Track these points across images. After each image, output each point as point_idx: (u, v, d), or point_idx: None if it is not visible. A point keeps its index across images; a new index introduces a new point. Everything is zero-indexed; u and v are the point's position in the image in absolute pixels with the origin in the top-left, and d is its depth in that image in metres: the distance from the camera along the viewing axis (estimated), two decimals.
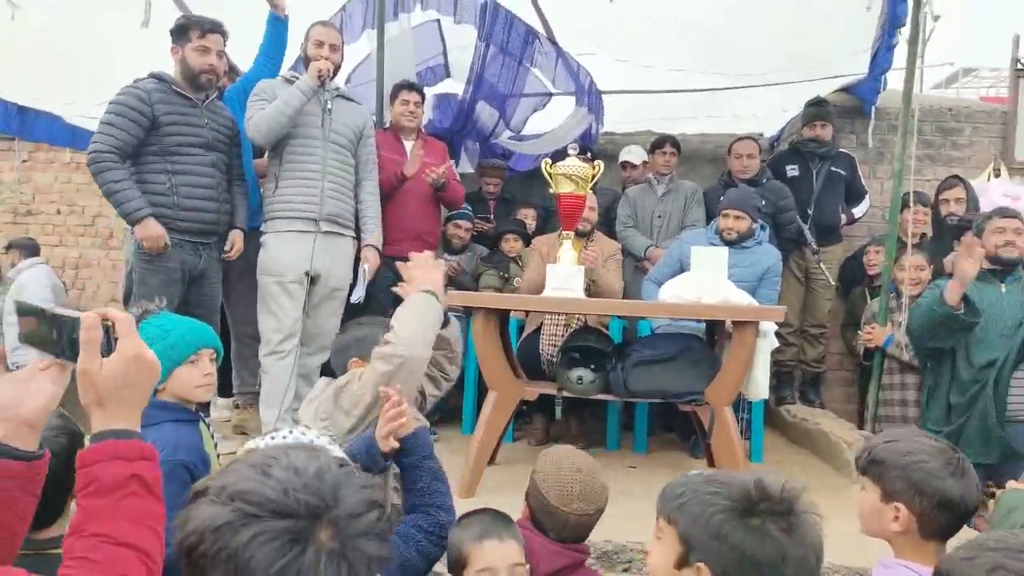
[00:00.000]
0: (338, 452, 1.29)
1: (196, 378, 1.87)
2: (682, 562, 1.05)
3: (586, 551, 1.72)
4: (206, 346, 1.91)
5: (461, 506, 1.82)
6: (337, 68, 3.45)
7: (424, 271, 2.03)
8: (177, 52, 3.16)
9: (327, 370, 2.19)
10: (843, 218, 4.49)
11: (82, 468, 0.87)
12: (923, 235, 4.18)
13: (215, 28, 3.18)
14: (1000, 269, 3.10)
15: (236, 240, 3.35)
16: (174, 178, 3.10)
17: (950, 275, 3.33)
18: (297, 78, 3.34)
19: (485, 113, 4.78)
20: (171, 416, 1.79)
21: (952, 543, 1.41)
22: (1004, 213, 3.16)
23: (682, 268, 3.60)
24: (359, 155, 3.52)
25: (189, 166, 3.14)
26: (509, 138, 5.09)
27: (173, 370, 1.83)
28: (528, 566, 1.54)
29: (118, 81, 3.15)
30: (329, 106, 3.34)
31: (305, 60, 3.43)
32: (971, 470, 1.46)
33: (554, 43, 4.71)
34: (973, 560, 1.08)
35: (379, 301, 3.64)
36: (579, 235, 3.57)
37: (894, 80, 4.57)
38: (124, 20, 3.89)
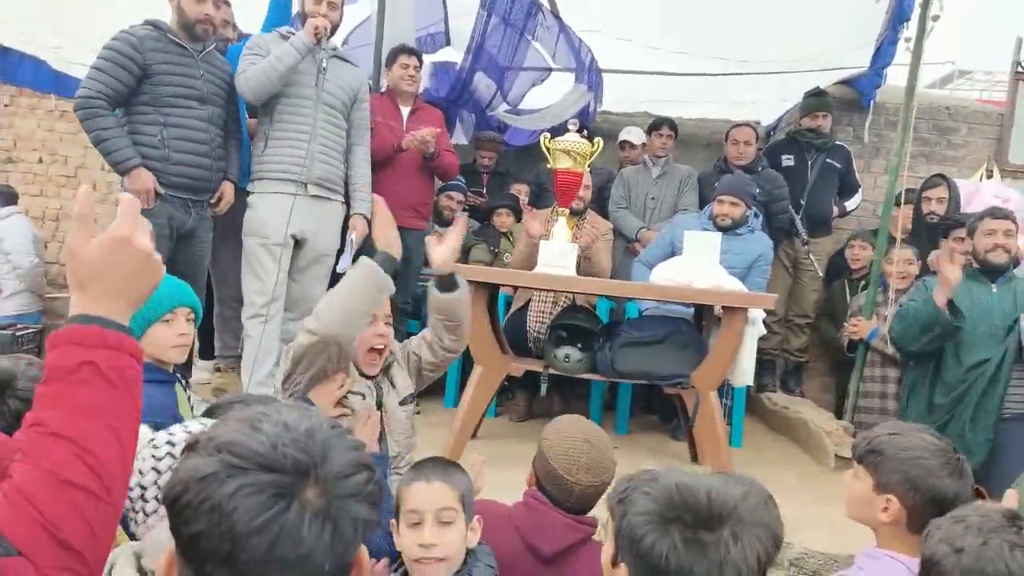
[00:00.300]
0: None
1: (171, 337, 1.81)
2: (615, 561, 0.99)
3: (594, 524, 1.70)
4: (182, 304, 1.85)
5: None
6: (335, 27, 3.35)
7: (383, 228, 1.85)
8: (173, 0, 3.07)
9: None
10: (835, 210, 4.51)
11: (47, 353, 0.82)
12: (910, 232, 4.23)
13: None
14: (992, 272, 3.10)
15: (226, 191, 3.28)
16: (166, 130, 3.02)
17: (934, 272, 3.37)
18: (293, 34, 3.25)
19: (483, 84, 4.72)
20: (146, 376, 1.75)
21: None
22: (996, 214, 3.15)
23: (674, 251, 3.59)
24: (352, 119, 3.44)
25: (182, 119, 3.05)
26: (506, 111, 5.03)
27: (147, 328, 1.77)
28: (479, 525, 1.54)
29: (110, 28, 3.05)
30: (324, 65, 3.25)
31: (302, 17, 3.32)
32: (968, 471, 1.47)
33: (558, 17, 4.65)
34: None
35: None
36: (573, 213, 3.54)
37: (893, 76, 4.57)
38: None
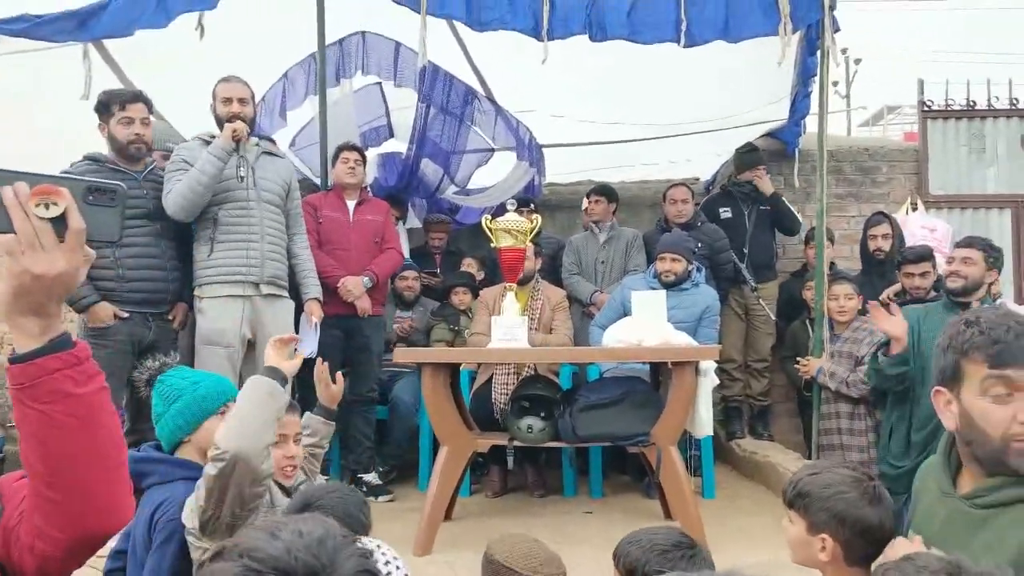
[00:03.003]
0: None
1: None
2: None
3: None
4: (231, 399, 1.92)
5: (415, 565, 1.82)
6: (252, 121, 3.38)
7: (276, 352, 1.87)
8: (104, 128, 3.18)
9: None
10: (779, 251, 4.72)
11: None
12: (832, 264, 4.43)
13: (136, 97, 3.21)
14: (962, 300, 3.05)
15: (179, 312, 3.35)
16: (118, 251, 3.08)
17: (886, 304, 3.50)
18: (214, 138, 3.29)
19: (430, 170, 4.91)
20: (185, 474, 1.80)
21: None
22: (957, 243, 3.22)
23: (625, 312, 3.71)
24: (288, 209, 3.50)
25: (133, 238, 3.13)
26: (455, 193, 5.22)
27: (203, 422, 1.85)
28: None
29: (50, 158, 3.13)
30: (252, 166, 3.32)
31: (217, 120, 3.36)
32: (886, 496, 1.52)
33: (493, 102, 4.90)
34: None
35: (327, 356, 3.67)
36: (522, 283, 3.67)
37: (813, 124, 4.86)
38: (64, 94, 3.93)
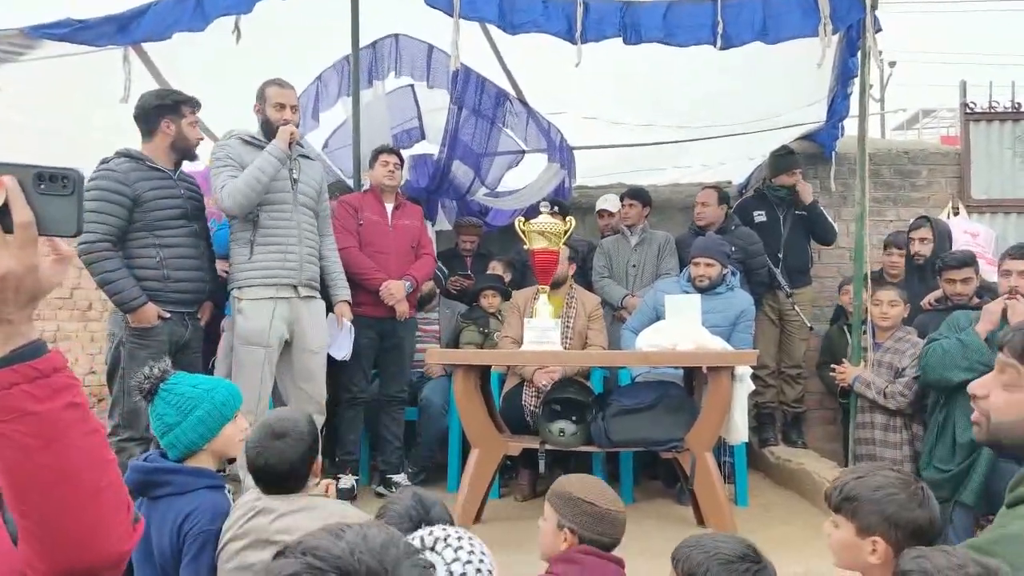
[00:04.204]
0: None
1: (238, 433, 1.95)
2: None
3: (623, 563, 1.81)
4: (240, 403, 2.00)
5: None
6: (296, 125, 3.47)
7: None
8: (170, 126, 3.21)
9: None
10: (815, 257, 4.63)
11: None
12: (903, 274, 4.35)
13: (199, 104, 3.31)
14: None
15: (206, 311, 3.39)
16: (162, 251, 3.12)
17: (927, 310, 3.39)
18: (256, 139, 3.33)
19: (461, 172, 4.92)
20: (206, 482, 1.84)
21: None
22: (1012, 253, 3.12)
23: (657, 316, 3.67)
24: (318, 211, 3.54)
25: (174, 238, 3.16)
26: (485, 195, 5.22)
27: (222, 428, 1.90)
28: None
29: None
30: (296, 169, 3.38)
31: (264, 121, 3.38)
32: (932, 497, 1.53)
33: (524, 104, 4.89)
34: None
35: (361, 358, 3.72)
36: (555, 287, 3.65)
37: (852, 127, 4.78)
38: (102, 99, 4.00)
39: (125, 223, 3.06)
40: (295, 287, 3.33)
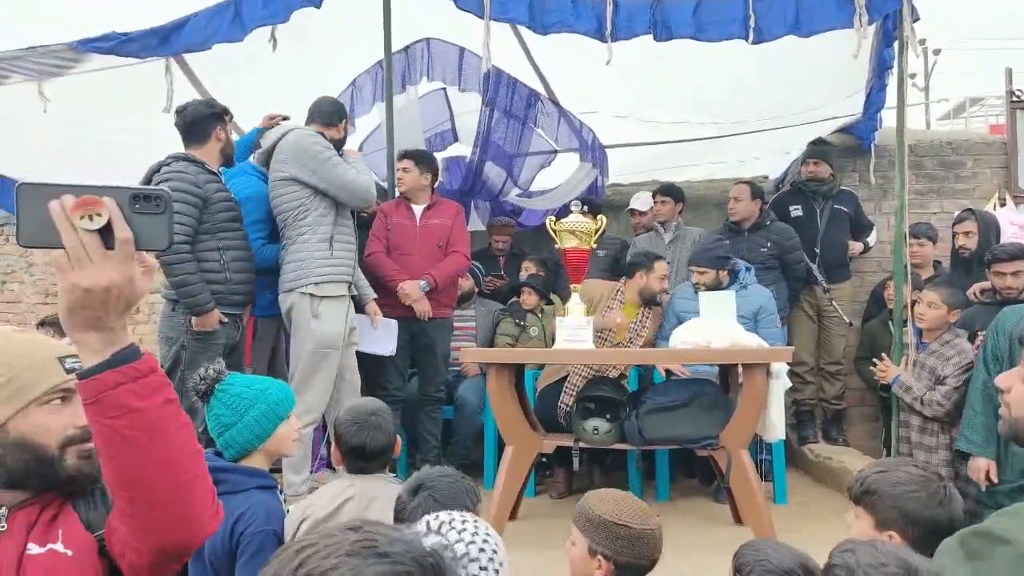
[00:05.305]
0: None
1: (292, 433, 1.99)
2: None
3: None
4: (293, 403, 2.03)
5: None
6: None
7: None
8: (221, 133, 3.31)
9: None
10: (857, 248, 4.55)
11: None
12: (938, 263, 4.23)
13: (232, 115, 3.44)
14: None
15: (247, 315, 3.47)
16: (225, 254, 3.20)
17: (972, 303, 3.30)
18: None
19: (493, 173, 4.94)
20: (258, 482, 1.85)
21: None
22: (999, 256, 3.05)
23: (679, 321, 3.66)
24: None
25: (233, 241, 3.26)
26: (518, 195, 5.23)
27: (276, 428, 1.92)
28: None
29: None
30: None
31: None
32: (956, 496, 1.51)
33: (556, 104, 4.90)
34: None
35: (396, 358, 3.81)
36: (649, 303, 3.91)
37: (890, 118, 4.67)
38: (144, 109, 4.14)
39: (199, 224, 3.13)
40: (350, 285, 3.48)
